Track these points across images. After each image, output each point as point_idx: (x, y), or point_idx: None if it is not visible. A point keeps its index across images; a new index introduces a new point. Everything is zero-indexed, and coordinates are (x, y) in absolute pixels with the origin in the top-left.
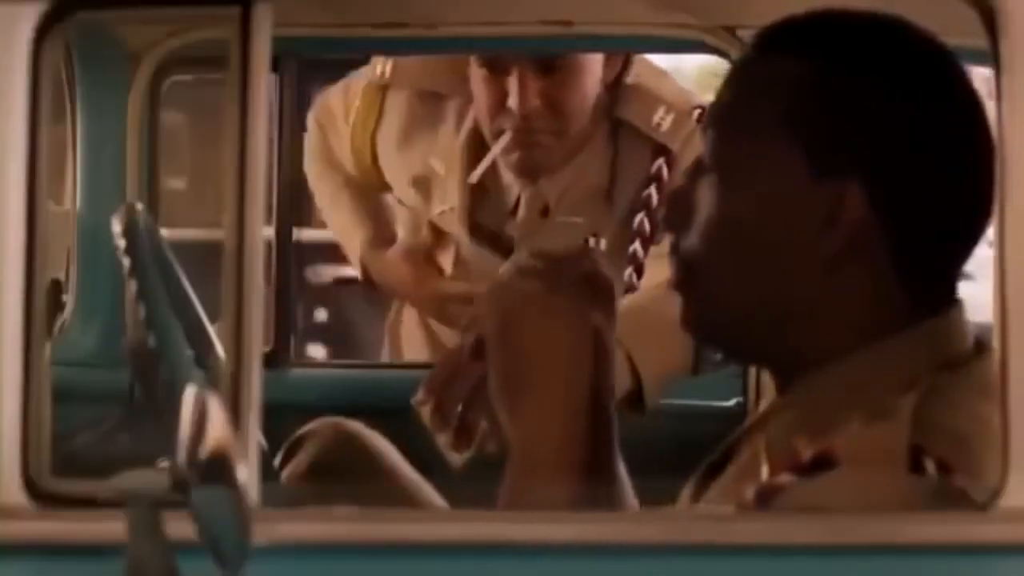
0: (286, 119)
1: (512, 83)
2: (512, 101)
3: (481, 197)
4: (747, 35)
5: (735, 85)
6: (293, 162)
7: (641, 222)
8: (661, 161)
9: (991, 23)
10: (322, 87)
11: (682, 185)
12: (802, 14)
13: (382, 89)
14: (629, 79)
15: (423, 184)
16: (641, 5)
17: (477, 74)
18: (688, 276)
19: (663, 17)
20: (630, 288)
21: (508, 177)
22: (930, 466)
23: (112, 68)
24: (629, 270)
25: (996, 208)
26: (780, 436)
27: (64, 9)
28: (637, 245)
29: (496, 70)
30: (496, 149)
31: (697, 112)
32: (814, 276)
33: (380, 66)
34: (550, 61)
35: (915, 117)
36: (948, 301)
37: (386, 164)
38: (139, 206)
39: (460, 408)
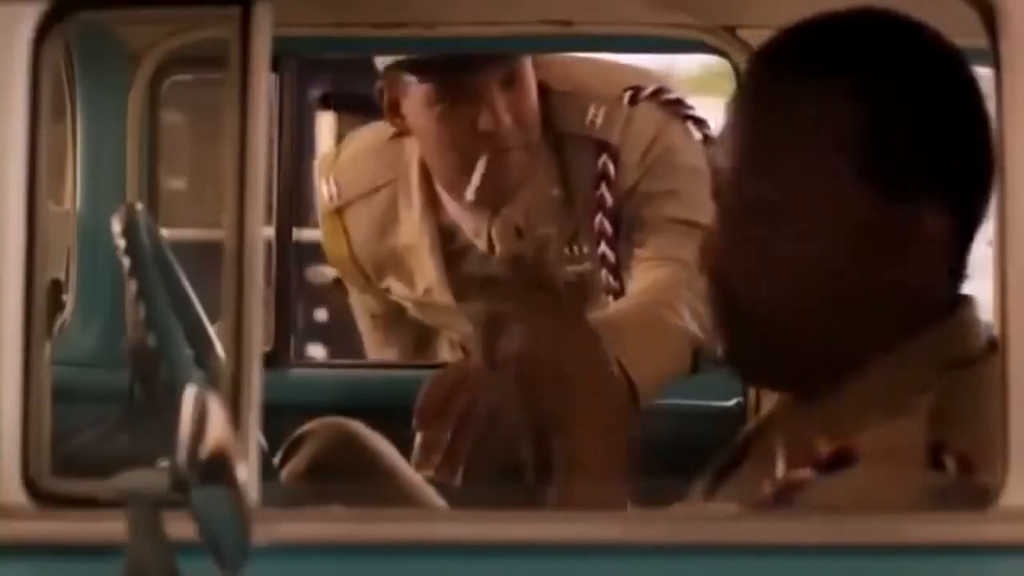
0: (286, 119)
1: (482, 105)
2: (485, 123)
3: (456, 256)
4: (747, 35)
5: (761, 108)
6: (293, 162)
7: (601, 222)
8: (605, 157)
9: (991, 23)
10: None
11: (715, 229)
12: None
13: (338, 213)
14: (555, 85)
15: (407, 275)
16: (641, 5)
17: (433, 112)
18: (734, 319)
19: (663, 17)
20: (609, 290)
21: (467, 223)
22: (950, 463)
23: (112, 68)
24: (604, 272)
25: (996, 208)
26: (798, 432)
27: (64, 9)
28: (604, 247)
29: (459, 98)
30: (478, 172)
31: (628, 94)
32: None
33: (326, 189)
34: (509, 75)
35: (913, 110)
36: (961, 298)
37: (375, 274)
38: (139, 206)
39: (448, 438)
